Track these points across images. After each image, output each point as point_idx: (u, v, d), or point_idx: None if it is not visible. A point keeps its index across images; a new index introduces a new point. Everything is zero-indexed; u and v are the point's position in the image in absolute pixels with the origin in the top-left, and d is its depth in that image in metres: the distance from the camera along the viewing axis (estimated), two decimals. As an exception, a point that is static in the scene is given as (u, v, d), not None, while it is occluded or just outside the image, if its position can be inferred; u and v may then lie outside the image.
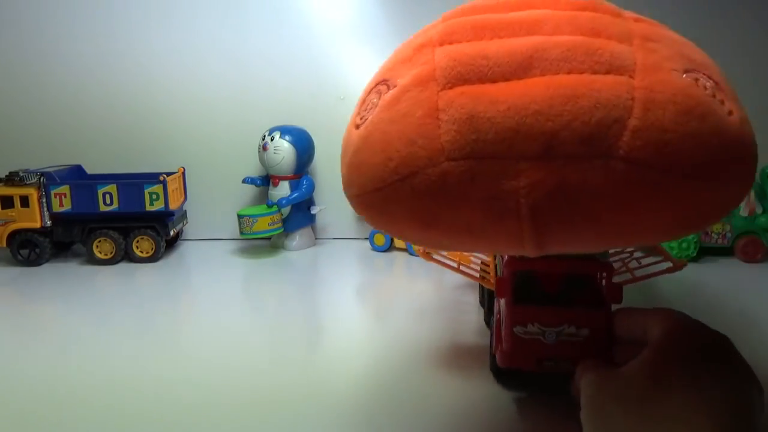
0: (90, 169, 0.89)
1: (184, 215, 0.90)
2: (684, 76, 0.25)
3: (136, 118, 0.91)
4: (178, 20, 0.88)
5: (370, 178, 0.28)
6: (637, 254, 0.50)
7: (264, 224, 0.82)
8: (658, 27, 0.28)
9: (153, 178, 0.80)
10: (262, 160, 0.86)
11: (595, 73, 0.24)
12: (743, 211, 0.75)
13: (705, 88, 0.25)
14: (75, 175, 0.87)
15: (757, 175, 0.77)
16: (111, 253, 0.80)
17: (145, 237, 0.81)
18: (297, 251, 0.86)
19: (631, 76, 0.24)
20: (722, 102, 0.25)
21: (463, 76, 0.25)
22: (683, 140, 0.23)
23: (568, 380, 0.35)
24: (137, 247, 0.81)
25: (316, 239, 0.91)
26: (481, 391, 0.41)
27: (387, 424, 0.38)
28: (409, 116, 0.26)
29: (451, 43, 0.28)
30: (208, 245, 0.91)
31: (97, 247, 0.80)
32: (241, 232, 0.83)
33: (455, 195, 0.25)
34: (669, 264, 0.44)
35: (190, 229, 0.94)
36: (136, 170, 0.87)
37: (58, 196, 0.79)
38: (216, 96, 0.90)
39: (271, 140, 0.83)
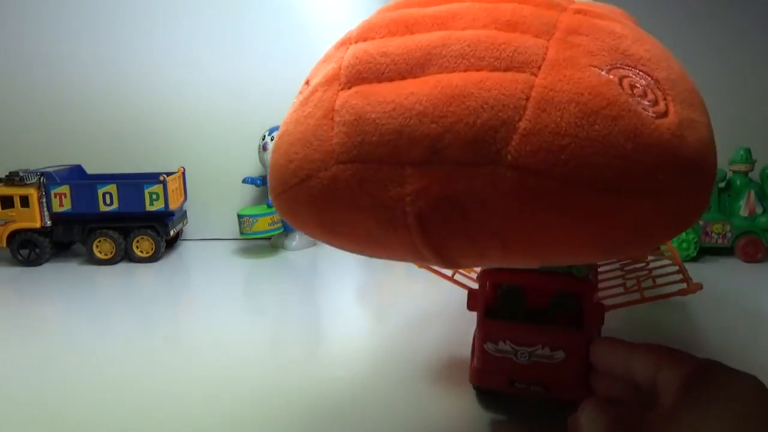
0: (90, 169, 0.89)
1: (184, 215, 0.90)
2: (604, 72, 0.21)
3: (136, 118, 0.91)
4: (179, 21, 0.88)
5: (278, 180, 0.27)
6: (656, 272, 0.46)
7: (264, 224, 0.82)
8: (602, 19, 0.25)
9: (153, 178, 0.80)
10: (262, 160, 0.86)
11: (494, 70, 0.21)
12: (743, 211, 0.75)
13: (632, 86, 0.22)
14: (75, 175, 0.87)
15: (758, 175, 0.77)
16: (111, 253, 0.80)
17: (145, 237, 0.81)
18: (297, 251, 0.86)
19: (533, 74, 0.21)
20: (654, 102, 0.21)
21: (361, 75, 0.24)
22: (585, 146, 0.20)
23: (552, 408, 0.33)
24: (137, 247, 0.81)
25: (316, 239, 0.91)
26: (463, 408, 0.38)
27: (387, 425, 0.38)
28: (310, 117, 0.25)
29: (365, 40, 0.25)
30: (208, 245, 0.91)
31: (97, 247, 0.80)
32: (241, 232, 0.83)
33: (346, 201, 0.23)
34: (683, 285, 0.39)
35: (190, 229, 0.94)
36: (136, 170, 0.87)
37: (58, 196, 0.79)
38: (216, 96, 0.90)
39: (271, 140, 0.83)
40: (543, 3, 0.25)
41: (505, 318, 0.34)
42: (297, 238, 0.87)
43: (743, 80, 0.90)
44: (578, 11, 0.25)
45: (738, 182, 0.77)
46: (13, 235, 0.79)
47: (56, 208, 0.79)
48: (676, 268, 0.45)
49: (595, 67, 0.21)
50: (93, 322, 0.58)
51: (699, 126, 0.22)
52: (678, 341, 0.51)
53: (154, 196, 0.79)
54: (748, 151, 0.77)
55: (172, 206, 0.81)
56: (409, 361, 0.47)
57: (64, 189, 0.79)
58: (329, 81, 0.25)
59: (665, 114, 0.21)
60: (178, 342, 0.53)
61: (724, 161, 0.78)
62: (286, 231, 0.87)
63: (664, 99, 0.22)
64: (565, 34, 0.23)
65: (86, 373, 0.46)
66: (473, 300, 0.36)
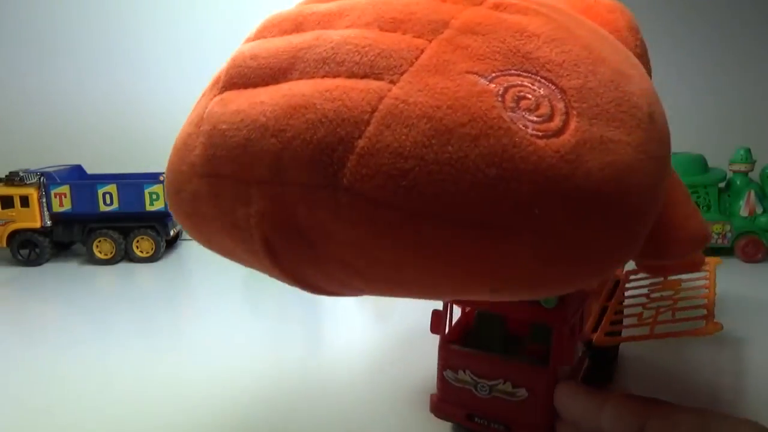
0: (90, 169, 0.89)
1: (184, 215, 0.90)
2: (484, 80, 0.18)
3: (136, 118, 0.91)
4: (179, 20, 0.88)
5: (166, 186, 0.26)
6: (682, 302, 0.40)
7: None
8: (524, 14, 0.21)
9: (153, 178, 0.80)
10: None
11: (350, 77, 0.18)
12: (743, 211, 0.75)
13: (519, 98, 0.18)
14: (75, 175, 0.86)
15: (758, 175, 0.77)
16: (111, 253, 0.80)
17: (145, 237, 0.81)
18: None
19: (392, 81, 0.18)
20: (547, 118, 0.18)
21: (233, 79, 0.21)
22: (432, 171, 0.16)
23: None
24: (137, 247, 0.81)
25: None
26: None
27: (387, 425, 0.38)
28: (189, 124, 0.23)
29: (257, 38, 0.23)
30: (208, 245, 0.91)
31: (97, 247, 0.80)
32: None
33: (207, 217, 0.22)
34: (701, 324, 0.34)
35: (190, 229, 0.94)
36: (136, 170, 0.87)
37: (58, 196, 0.79)
38: (216, 96, 0.90)
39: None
40: None
41: (480, 346, 0.31)
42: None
43: (743, 80, 0.90)
44: (497, 5, 0.21)
45: (738, 182, 0.77)
46: (13, 235, 0.79)
47: (56, 208, 0.79)
48: (705, 300, 0.39)
49: (474, 73, 0.18)
50: (93, 323, 0.58)
51: (614, 147, 0.18)
52: (678, 341, 0.51)
53: (154, 196, 0.79)
54: (748, 151, 0.77)
55: (172, 206, 0.81)
56: (409, 361, 0.47)
57: (64, 189, 0.79)
58: (213, 84, 0.23)
59: (560, 132, 0.18)
60: (178, 342, 0.53)
61: (724, 161, 0.78)
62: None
63: (565, 113, 0.18)
64: (455, 34, 0.19)
65: (86, 372, 0.46)
66: (436, 321, 0.33)
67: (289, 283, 0.22)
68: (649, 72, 0.28)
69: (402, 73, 0.18)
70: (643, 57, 0.28)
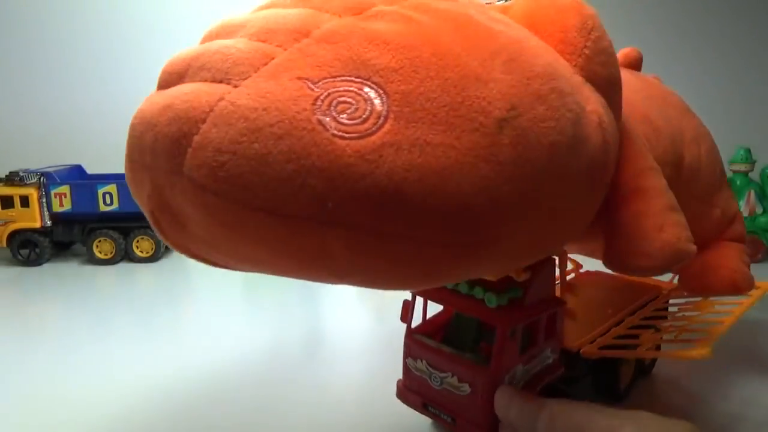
0: (90, 169, 0.89)
1: (184, 215, 0.90)
2: (310, 85, 0.19)
3: (136, 118, 0.91)
4: (179, 20, 0.88)
5: None
6: (697, 325, 0.40)
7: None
8: (395, 22, 0.22)
9: (153, 178, 0.80)
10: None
11: (212, 81, 0.20)
12: (743, 211, 0.75)
13: (336, 103, 0.19)
14: (75, 175, 0.87)
15: (758, 175, 0.78)
16: (111, 253, 0.80)
17: (145, 237, 0.81)
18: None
19: (235, 85, 0.20)
20: (362, 120, 0.19)
21: (159, 81, 0.24)
22: (240, 164, 0.18)
23: None
24: (137, 247, 0.81)
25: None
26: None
27: (387, 425, 0.38)
28: None
29: (204, 41, 0.25)
30: (208, 245, 0.91)
31: (97, 247, 0.80)
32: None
33: (134, 196, 0.25)
34: (690, 347, 0.35)
35: (190, 229, 0.94)
36: (136, 170, 0.87)
37: (58, 196, 0.79)
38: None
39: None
40: (339, 8, 0.23)
41: (455, 342, 0.33)
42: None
43: (743, 80, 0.90)
44: (375, 15, 0.23)
45: (738, 182, 0.77)
46: (13, 235, 0.79)
47: (56, 208, 0.79)
48: (717, 324, 0.39)
49: (304, 79, 0.19)
50: (93, 322, 0.58)
51: (431, 150, 0.19)
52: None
53: (154, 196, 0.79)
54: (748, 151, 0.77)
55: (172, 206, 0.81)
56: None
57: (64, 189, 0.79)
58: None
59: (369, 134, 0.19)
60: (178, 341, 0.53)
61: (724, 161, 0.78)
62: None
63: (383, 116, 0.19)
64: (310, 43, 0.21)
65: (86, 372, 0.46)
66: (404, 311, 0.35)
67: (183, 254, 0.25)
68: (608, 73, 0.27)
69: (245, 78, 0.20)
70: (594, 58, 0.27)
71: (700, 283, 0.42)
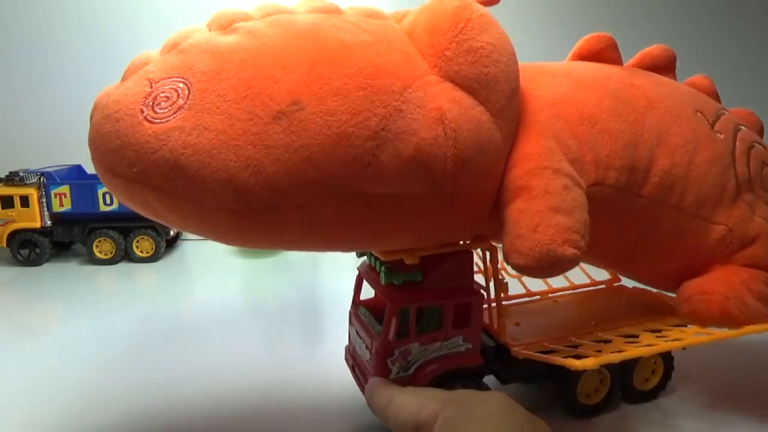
0: (90, 169, 0.89)
1: (184, 215, 0.90)
2: (150, 83, 0.26)
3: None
4: (179, 20, 0.88)
5: None
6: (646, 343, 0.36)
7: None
8: (223, 39, 0.28)
9: (153, 178, 0.80)
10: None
11: (121, 80, 0.28)
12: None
13: (162, 98, 0.25)
14: (75, 175, 0.87)
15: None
16: (111, 253, 0.80)
17: (145, 237, 0.81)
18: (297, 251, 0.86)
19: (121, 83, 0.27)
20: (174, 111, 0.25)
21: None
22: (96, 138, 0.26)
23: None
24: (137, 247, 0.81)
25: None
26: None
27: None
28: None
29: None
30: (208, 245, 0.91)
31: (97, 247, 0.80)
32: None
33: None
34: (583, 357, 0.33)
35: (190, 229, 0.94)
36: (136, 170, 0.87)
37: (58, 196, 0.79)
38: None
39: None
40: (215, 23, 0.28)
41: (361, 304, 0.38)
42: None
43: (743, 80, 0.90)
44: (233, 29, 0.28)
45: (738, 182, 0.77)
46: (13, 235, 0.79)
47: (56, 208, 0.79)
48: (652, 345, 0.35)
49: (150, 79, 0.26)
50: (93, 322, 0.58)
51: (203, 134, 0.25)
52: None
53: (154, 196, 0.79)
54: (748, 151, 0.76)
55: (172, 206, 0.81)
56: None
57: (64, 189, 0.79)
58: None
59: (167, 120, 0.25)
60: (178, 341, 0.53)
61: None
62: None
63: (183, 108, 0.25)
64: (174, 53, 0.27)
65: (86, 372, 0.46)
66: (356, 282, 0.39)
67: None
68: (477, 73, 0.28)
69: (126, 78, 0.27)
70: (456, 58, 0.28)
71: (688, 308, 0.37)
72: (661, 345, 0.35)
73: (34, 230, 0.79)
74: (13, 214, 0.79)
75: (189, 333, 0.56)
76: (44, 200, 0.79)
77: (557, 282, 0.46)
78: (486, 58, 0.29)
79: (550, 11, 1.00)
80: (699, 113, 0.40)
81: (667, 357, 0.41)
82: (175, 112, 0.25)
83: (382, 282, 0.34)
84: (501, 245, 0.31)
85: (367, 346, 0.35)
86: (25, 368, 0.47)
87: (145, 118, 0.25)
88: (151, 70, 0.26)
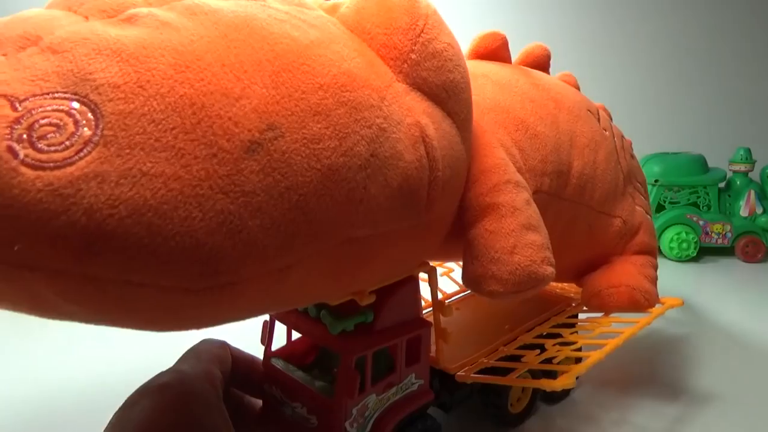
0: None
1: (184, 215, 0.90)
2: (10, 103, 0.16)
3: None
4: None
5: None
6: (587, 347, 0.36)
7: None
8: (123, 31, 0.18)
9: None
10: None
11: None
12: (743, 211, 0.75)
13: (37, 126, 0.16)
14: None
15: (758, 175, 0.78)
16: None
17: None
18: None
19: None
20: (64, 147, 0.16)
21: None
22: None
23: None
24: (137, 247, 0.81)
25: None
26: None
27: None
28: None
29: None
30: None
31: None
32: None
33: None
34: (554, 376, 0.32)
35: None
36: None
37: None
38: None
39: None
40: (92, 8, 0.19)
41: (328, 367, 0.30)
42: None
43: (744, 80, 0.91)
44: (128, 18, 0.19)
45: (738, 182, 0.77)
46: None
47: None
48: (603, 345, 0.35)
49: (8, 96, 0.16)
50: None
51: (147, 182, 0.16)
52: (679, 339, 0.51)
53: (155, 196, 0.79)
54: (748, 151, 0.77)
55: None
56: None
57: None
58: None
59: (68, 163, 0.15)
60: (178, 341, 0.53)
61: (724, 161, 0.79)
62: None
63: (92, 143, 0.16)
64: (34, 52, 0.17)
65: (87, 372, 0.46)
66: (263, 333, 0.32)
67: None
68: (443, 80, 0.24)
69: None
70: (423, 63, 0.24)
71: (599, 302, 0.39)
72: (612, 343, 0.35)
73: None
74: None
75: (188, 332, 0.56)
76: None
77: (443, 285, 0.45)
78: (449, 62, 0.24)
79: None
80: (589, 111, 0.40)
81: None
82: (79, 150, 0.16)
83: (332, 332, 0.28)
84: (443, 268, 0.28)
85: (309, 410, 0.28)
86: (25, 368, 0.47)
87: (23, 161, 0.15)
88: (3, 81, 0.16)
